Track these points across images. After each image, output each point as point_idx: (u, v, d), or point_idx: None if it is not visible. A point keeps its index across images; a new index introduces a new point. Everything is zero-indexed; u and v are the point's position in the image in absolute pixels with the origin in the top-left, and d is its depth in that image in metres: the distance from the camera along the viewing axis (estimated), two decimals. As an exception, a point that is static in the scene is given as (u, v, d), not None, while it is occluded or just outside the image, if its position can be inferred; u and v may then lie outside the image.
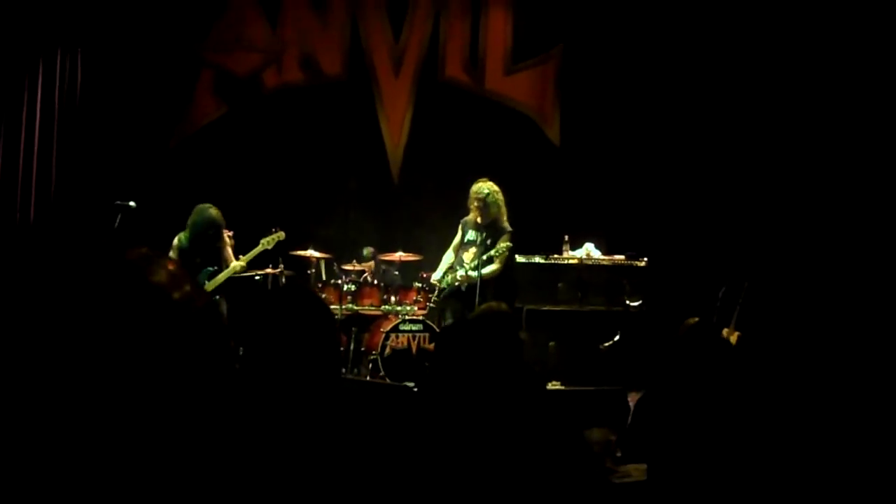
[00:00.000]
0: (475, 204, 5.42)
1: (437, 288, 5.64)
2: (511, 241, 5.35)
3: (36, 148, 6.57)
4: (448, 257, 5.59)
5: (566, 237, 5.89)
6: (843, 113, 6.09)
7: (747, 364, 2.32)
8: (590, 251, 5.82)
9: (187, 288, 0.99)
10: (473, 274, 5.30)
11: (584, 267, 5.73)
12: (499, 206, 5.43)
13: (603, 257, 5.81)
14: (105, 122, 6.89)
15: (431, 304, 5.83)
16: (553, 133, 7.05)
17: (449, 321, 5.49)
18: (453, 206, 6.47)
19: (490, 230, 5.41)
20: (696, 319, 2.44)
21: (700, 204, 6.49)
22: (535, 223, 6.52)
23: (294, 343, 1.65)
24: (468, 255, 5.46)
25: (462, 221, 5.60)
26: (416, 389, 3.36)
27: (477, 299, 5.17)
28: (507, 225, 5.44)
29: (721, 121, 6.55)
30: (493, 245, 5.35)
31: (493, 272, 5.33)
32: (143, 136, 6.94)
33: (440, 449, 2.02)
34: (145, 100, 6.95)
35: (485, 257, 5.28)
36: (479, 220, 5.43)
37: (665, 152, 6.67)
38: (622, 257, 5.80)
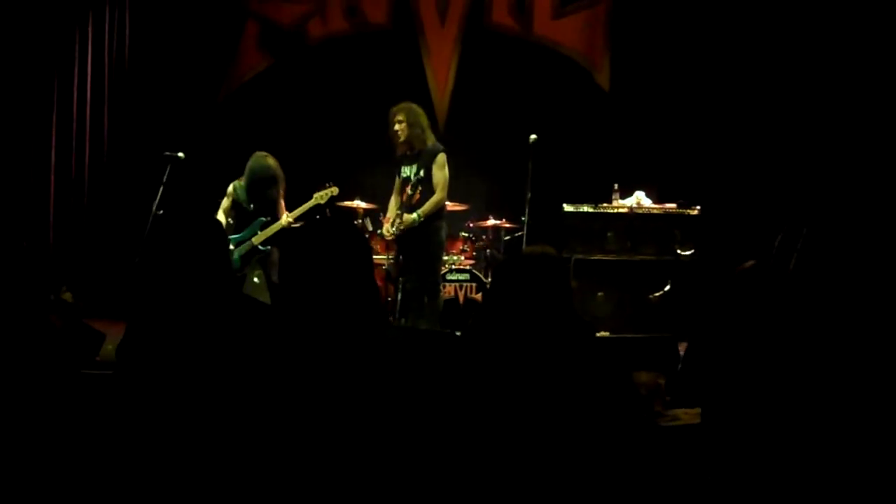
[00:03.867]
0: (396, 127, 5.02)
1: (387, 240, 5.32)
2: (446, 160, 4.96)
3: (88, 102, 6.68)
4: (391, 203, 5.24)
5: (616, 185, 5.75)
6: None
7: (805, 307, 2.24)
8: (640, 200, 5.68)
9: None
10: (413, 216, 4.95)
11: (634, 216, 5.61)
12: (423, 127, 5.04)
13: (654, 206, 5.67)
14: (154, 75, 6.95)
15: (390, 259, 5.57)
16: (603, 78, 6.86)
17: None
18: (500, 154, 6.39)
19: (420, 159, 5.04)
20: (753, 262, 2.35)
21: (756, 148, 6.27)
22: (584, 171, 6.40)
23: (330, 272, 1.63)
24: (406, 196, 5.07)
25: (397, 159, 5.19)
26: (459, 335, 3.36)
27: (422, 240, 4.95)
28: (437, 144, 5.07)
29: (778, 61, 6.28)
30: (428, 174, 4.99)
31: (437, 202, 5.00)
32: (191, 88, 6.99)
33: (485, 395, 2.00)
34: (192, 53, 6.98)
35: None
36: (408, 151, 5.07)
37: (718, 96, 6.44)
38: (674, 206, 5.65)
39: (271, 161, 5.20)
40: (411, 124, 5.07)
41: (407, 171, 5.16)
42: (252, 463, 1.76)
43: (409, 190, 5.11)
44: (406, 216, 5.04)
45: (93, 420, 2.13)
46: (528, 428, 1.91)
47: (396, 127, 5.10)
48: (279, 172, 5.23)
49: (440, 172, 5.04)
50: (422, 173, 5.06)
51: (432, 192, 5.04)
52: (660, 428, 2.18)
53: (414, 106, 5.17)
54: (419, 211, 5.01)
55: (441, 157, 5.06)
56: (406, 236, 5.11)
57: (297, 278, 1.76)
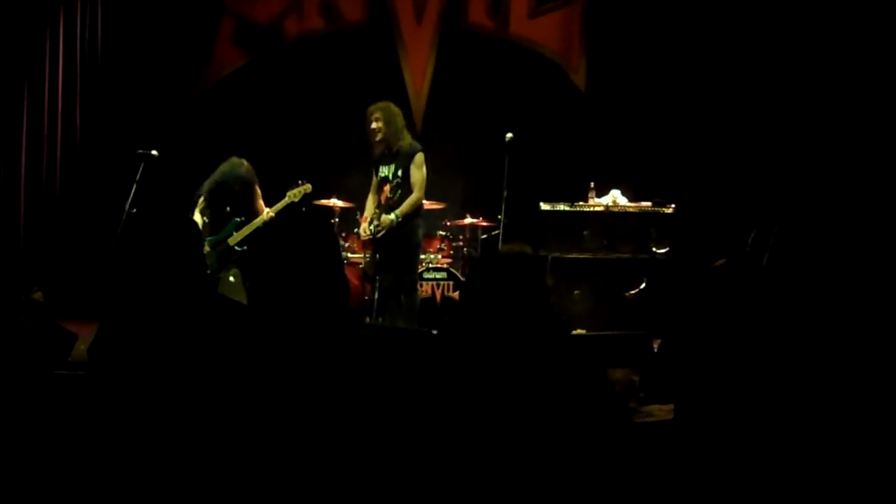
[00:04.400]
0: (374, 125, 5.00)
1: (364, 240, 5.26)
2: (424, 160, 4.96)
3: (60, 99, 6.58)
4: (368, 203, 5.23)
5: (592, 184, 5.79)
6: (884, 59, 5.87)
7: (777, 304, 2.27)
8: (616, 198, 5.72)
9: None
10: (391, 217, 4.95)
11: (610, 214, 5.64)
12: (398, 126, 5.03)
13: (629, 204, 5.71)
14: (127, 72, 6.87)
15: (367, 258, 5.56)
16: (579, 78, 6.89)
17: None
18: (477, 153, 6.40)
19: (398, 159, 5.03)
20: (725, 260, 2.38)
21: (729, 148, 6.34)
22: (560, 170, 6.43)
23: (297, 267, 1.63)
24: (383, 196, 5.06)
25: (373, 158, 5.19)
26: (436, 334, 3.37)
27: (401, 239, 4.95)
28: (414, 144, 5.07)
29: (751, 62, 6.35)
30: (406, 174, 4.99)
31: (415, 202, 5.00)
32: (165, 86, 6.92)
33: (461, 392, 2.01)
34: (167, 50, 6.91)
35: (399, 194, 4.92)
36: (385, 150, 5.05)
37: (693, 96, 6.50)
38: (649, 204, 5.70)
39: (244, 169, 5.21)
40: (388, 123, 5.05)
41: (385, 170, 5.15)
42: (225, 462, 1.75)
43: (387, 190, 5.09)
44: (384, 217, 5.02)
45: (65, 420, 2.11)
46: (503, 425, 1.92)
47: (374, 126, 5.08)
48: (253, 179, 5.22)
49: (418, 172, 5.03)
50: (399, 173, 5.05)
51: (410, 192, 5.04)
52: (634, 424, 2.20)
53: (391, 105, 5.16)
54: (397, 211, 5.00)
55: (419, 157, 5.05)
56: (383, 235, 5.11)
57: (266, 275, 1.75)
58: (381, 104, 5.14)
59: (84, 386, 2.12)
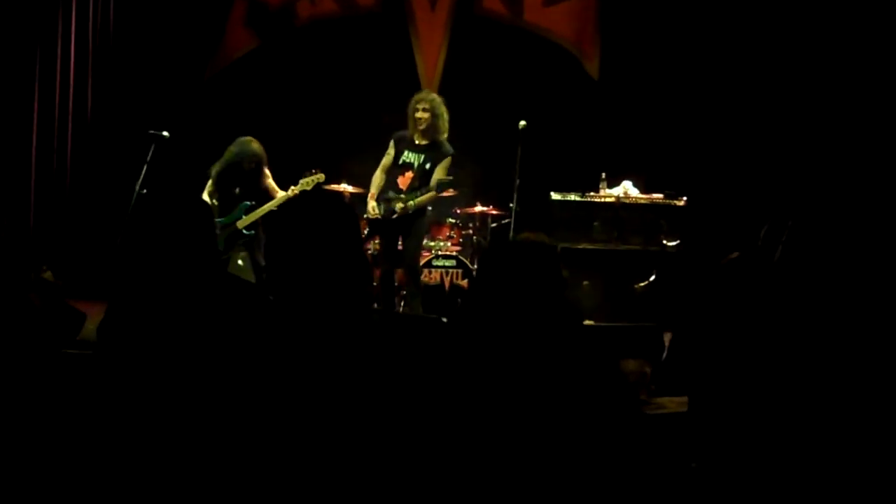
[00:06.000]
0: (419, 113, 4.97)
1: (367, 218, 5.15)
2: (451, 164, 5.02)
3: (72, 78, 6.57)
4: (377, 181, 5.17)
5: (603, 175, 5.76)
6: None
7: (790, 298, 2.25)
8: (627, 189, 5.69)
9: None
10: (411, 203, 4.98)
11: (621, 205, 5.61)
12: (445, 121, 5.04)
13: (641, 196, 5.68)
14: (139, 54, 6.85)
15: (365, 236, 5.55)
16: (592, 67, 6.84)
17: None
18: (489, 140, 6.37)
19: (430, 152, 5.04)
20: (738, 253, 2.35)
21: (743, 141, 6.29)
22: (572, 160, 6.40)
23: (318, 246, 1.61)
24: (403, 181, 5.06)
25: (396, 137, 5.14)
26: (445, 321, 3.36)
27: (413, 227, 5.00)
28: (449, 147, 5.10)
29: (766, 53, 6.29)
30: (432, 170, 5.01)
31: (431, 199, 5.09)
32: (176, 68, 6.90)
33: (473, 381, 1.99)
34: (178, 32, 6.88)
35: (424, 189, 4.95)
36: (419, 139, 5.04)
37: (707, 87, 6.44)
38: (661, 196, 5.66)
39: (256, 146, 5.17)
40: (435, 116, 5.04)
41: (411, 157, 5.12)
42: (233, 445, 1.74)
43: (408, 176, 5.08)
44: (409, 202, 5.00)
45: (73, 399, 2.10)
46: (514, 415, 1.90)
47: (419, 115, 5.05)
48: (263, 157, 5.20)
49: (443, 173, 5.05)
50: (427, 166, 5.05)
51: (429, 189, 5.04)
52: (645, 416, 2.18)
53: (441, 99, 5.16)
54: (415, 200, 5.00)
55: (448, 161, 5.08)
56: (391, 222, 5.10)
57: (283, 255, 1.73)
58: (430, 95, 5.18)
59: (92, 365, 2.11)
